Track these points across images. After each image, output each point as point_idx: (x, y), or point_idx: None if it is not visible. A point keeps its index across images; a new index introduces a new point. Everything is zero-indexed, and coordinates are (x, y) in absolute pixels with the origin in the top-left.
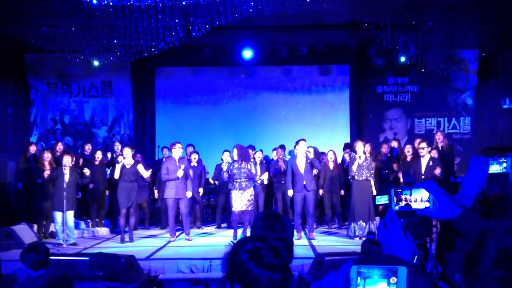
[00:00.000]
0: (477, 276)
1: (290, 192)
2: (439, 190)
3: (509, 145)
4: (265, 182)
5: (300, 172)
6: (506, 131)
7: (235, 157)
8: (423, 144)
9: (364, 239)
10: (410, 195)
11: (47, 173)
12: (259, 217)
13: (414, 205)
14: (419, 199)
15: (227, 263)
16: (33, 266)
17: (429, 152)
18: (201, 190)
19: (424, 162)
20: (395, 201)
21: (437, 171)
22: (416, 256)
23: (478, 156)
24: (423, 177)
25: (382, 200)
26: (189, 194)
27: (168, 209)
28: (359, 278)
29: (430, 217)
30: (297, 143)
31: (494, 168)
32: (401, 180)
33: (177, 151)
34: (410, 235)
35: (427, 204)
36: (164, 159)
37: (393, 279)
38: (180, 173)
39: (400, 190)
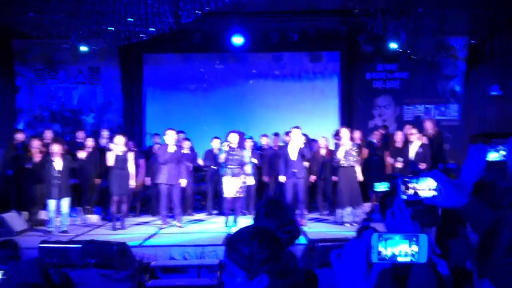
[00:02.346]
0: (491, 263)
1: (282, 178)
2: (446, 179)
3: (497, 131)
4: (255, 161)
5: (291, 159)
6: (494, 118)
7: (234, 144)
8: (413, 130)
9: (358, 226)
10: (418, 183)
11: (37, 158)
12: (262, 204)
13: (422, 194)
14: (426, 187)
15: (234, 250)
16: (3, 261)
17: (419, 138)
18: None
19: (413, 148)
20: (403, 190)
21: (422, 166)
22: None
23: (477, 143)
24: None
25: (381, 187)
26: (183, 182)
27: (161, 195)
28: (380, 243)
29: (436, 206)
30: (291, 130)
31: (493, 156)
32: (395, 165)
33: (168, 137)
34: (418, 224)
35: (434, 193)
36: (155, 146)
37: (414, 246)
38: (171, 149)
39: (408, 179)
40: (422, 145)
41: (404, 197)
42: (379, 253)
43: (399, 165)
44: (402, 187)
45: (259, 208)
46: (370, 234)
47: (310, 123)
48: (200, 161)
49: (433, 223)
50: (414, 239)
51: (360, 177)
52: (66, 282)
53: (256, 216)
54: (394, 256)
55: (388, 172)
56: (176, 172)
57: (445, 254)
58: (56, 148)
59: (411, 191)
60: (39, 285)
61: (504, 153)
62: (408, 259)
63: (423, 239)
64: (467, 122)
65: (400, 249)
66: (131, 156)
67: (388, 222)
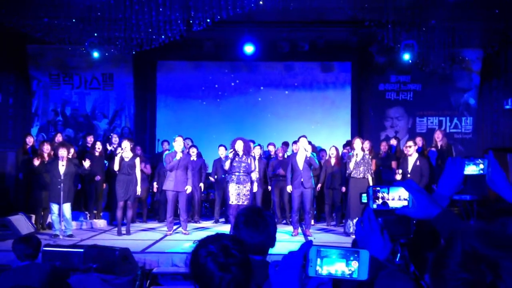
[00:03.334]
0: (443, 278)
1: (289, 188)
2: (418, 189)
3: (510, 146)
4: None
5: (299, 168)
6: (507, 132)
7: (239, 150)
8: (410, 143)
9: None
10: (388, 193)
11: (36, 162)
12: (241, 212)
13: (392, 204)
14: (398, 197)
15: (189, 263)
16: (20, 256)
17: (418, 151)
18: (201, 185)
19: (411, 161)
20: (372, 199)
21: (398, 176)
22: (398, 255)
23: (454, 157)
24: (409, 175)
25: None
26: (188, 188)
27: (167, 201)
28: (318, 258)
29: (409, 216)
30: (298, 139)
31: (471, 169)
32: (396, 176)
33: (177, 144)
34: (386, 234)
35: (406, 203)
36: (164, 153)
37: (354, 263)
38: (178, 156)
39: (378, 188)
40: (419, 158)
41: (374, 206)
42: (316, 268)
43: (398, 177)
44: (372, 197)
45: (238, 217)
46: (308, 246)
47: (320, 134)
48: (211, 178)
49: (405, 234)
50: (354, 256)
51: (371, 183)
52: None
53: (236, 224)
54: (330, 273)
55: None
56: (183, 179)
57: (424, 266)
58: (62, 152)
59: (380, 201)
60: None
61: (482, 166)
62: (345, 276)
63: (364, 255)
64: (480, 136)
65: (336, 268)
66: (138, 162)
67: (357, 231)
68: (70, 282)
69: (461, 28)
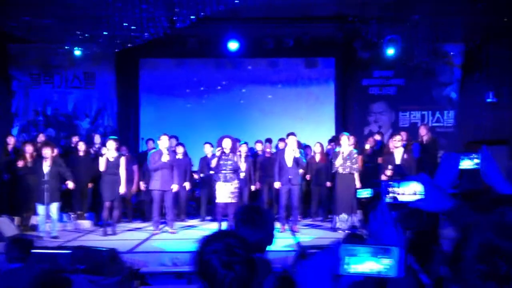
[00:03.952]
0: (461, 269)
1: (277, 184)
2: (430, 182)
3: (492, 138)
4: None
5: (286, 165)
6: (489, 125)
7: (227, 149)
8: (398, 137)
9: (346, 231)
10: (402, 187)
11: (20, 163)
12: (239, 210)
13: (405, 198)
14: (411, 191)
15: (194, 260)
16: (10, 259)
17: (404, 145)
18: (187, 184)
19: (398, 155)
20: (386, 193)
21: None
22: None
23: (449, 152)
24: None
25: (364, 193)
26: (174, 187)
27: (153, 201)
28: (347, 256)
29: (422, 210)
30: (287, 137)
31: (466, 164)
32: (386, 172)
33: (162, 143)
34: (400, 228)
35: (419, 197)
36: (150, 152)
37: (386, 260)
38: (164, 158)
39: (391, 183)
40: (406, 152)
41: (387, 200)
42: (346, 266)
43: (388, 172)
44: (385, 191)
45: (237, 214)
46: (338, 245)
47: (305, 129)
48: (196, 176)
49: (418, 227)
50: (385, 253)
51: (358, 184)
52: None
53: (234, 222)
54: (360, 272)
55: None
56: (169, 178)
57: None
58: (46, 152)
59: (394, 195)
60: None
61: (477, 161)
62: (375, 274)
63: (395, 252)
64: (462, 129)
65: (367, 266)
66: (123, 161)
67: (370, 225)
68: None
69: (444, 23)
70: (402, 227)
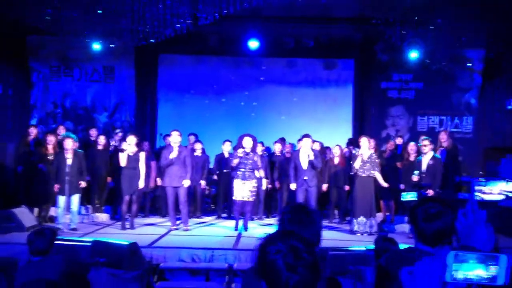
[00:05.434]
0: None
1: (292, 186)
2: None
3: (511, 146)
4: (264, 187)
5: (302, 167)
6: (508, 132)
7: (248, 147)
8: (426, 142)
9: (372, 236)
10: (489, 186)
11: (50, 158)
12: (286, 210)
13: (487, 197)
14: (498, 190)
15: (256, 259)
16: (33, 252)
17: (433, 149)
18: (203, 182)
19: (425, 160)
20: (477, 191)
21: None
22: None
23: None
24: (423, 175)
25: (408, 196)
26: (186, 183)
27: (167, 197)
28: (456, 263)
29: None
30: (301, 138)
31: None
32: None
33: (173, 138)
34: (491, 227)
35: (502, 197)
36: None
37: (493, 267)
38: (172, 155)
39: (481, 181)
40: (433, 158)
41: (479, 197)
42: (453, 273)
43: (415, 178)
44: (477, 188)
45: (284, 214)
46: (446, 252)
47: (322, 131)
48: (215, 177)
49: (507, 227)
50: (492, 260)
51: (383, 183)
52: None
53: (281, 222)
54: (468, 279)
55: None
56: (181, 174)
57: None
58: (68, 143)
59: (481, 194)
60: (53, 282)
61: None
62: (483, 281)
63: (503, 259)
64: (480, 135)
65: (475, 272)
66: (142, 156)
67: (459, 223)
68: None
69: (466, 28)
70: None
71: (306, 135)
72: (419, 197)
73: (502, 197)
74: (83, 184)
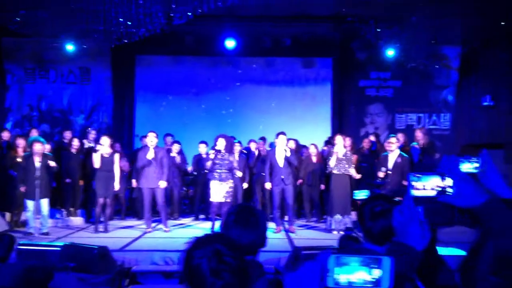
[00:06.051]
0: (473, 280)
1: (268, 185)
2: (461, 175)
3: (488, 142)
4: (239, 175)
5: (278, 165)
6: (485, 128)
7: (221, 148)
8: (393, 139)
9: (341, 233)
10: (422, 181)
11: (18, 160)
12: (231, 211)
13: (434, 191)
14: (440, 184)
15: (182, 263)
16: None
17: (400, 147)
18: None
19: (392, 158)
20: (414, 186)
21: (405, 182)
22: None
23: (449, 155)
24: (389, 172)
25: (361, 194)
26: (162, 184)
27: (144, 199)
28: (337, 267)
29: (452, 204)
30: (276, 136)
31: (466, 167)
32: (379, 173)
33: (149, 139)
34: (426, 224)
35: (449, 190)
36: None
37: (376, 271)
38: (149, 156)
39: (419, 175)
40: (400, 156)
41: (414, 193)
42: (335, 277)
43: (381, 174)
44: (414, 183)
45: (229, 215)
46: (326, 256)
47: (301, 130)
48: (189, 168)
49: (447, 223)
50: (375, 264)
51: (356, 175)
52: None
53: (225, 223)
54: (351, 283)
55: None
56: (157, 175)
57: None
58: (37, 147)
59: (422, 188)
60: None
61: (477, 165)
62: (367, 286)
63: (386, 262)
64: (458, 132)
65: (357, 276)
66: (117, 158)
67: (396, 220)
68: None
69: (442, 25)
70: (430, 223)
71: (281, 133)
72: (371, 195)
73: (434, 192)
74: (52, 163)
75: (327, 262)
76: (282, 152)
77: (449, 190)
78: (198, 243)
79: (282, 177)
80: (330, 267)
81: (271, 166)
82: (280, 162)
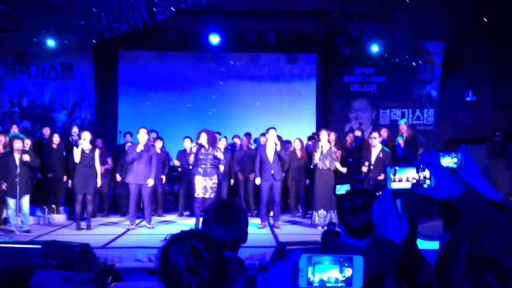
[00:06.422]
0: (448, 283)
1: (258, 181)
2: (439, 167)
3: (471, 137)
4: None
5: (268, 160)
6: (468, 123)
7: (204, 142)
8: (375, 134)
9: (325, 228)
10: (407, 172)
11: None
12: (211, 207)
13: (411, 183)
14: (418, 176)
15: (158, 260)
16: None
17: (383, 142)
18: (163, 177)
19: (374, 152)
20: (391, 179)
21: (380, 177)
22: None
23: (429, 150)
24: (371, 167)
25: (342, 189)
26: (150, 182)
27: (130, 194)
28: (309, 266)
29: (430, 196)
30: (267, 131)
31: (446, 162)
32: (363, 168)
33: (140, 135)
34: (404, 217)
35: (427, 182)
36: (127, 145)
37: (348, 270)
38: (139, 147)
39: (397, 168)
40: (382, 150)
41: (392, 186)
42: (308, 277)
43: (364, 169)
44: (390, 176)
45: (208, 211)
46: (297, 255)
47: (286, 125)
48: (177, 162)
49: (426, 215)
50: (347, 262)
51: (341, 168)
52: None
53: (205, 219)
54: (323, 282)
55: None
56: (145, 172)
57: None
58: (17, 144)
59: (398, 180)
60: None
61: (456, 160)
62: (339, 285)
63: (358, 261)
64: (441, 127)
65: (329, 275)
66: (97, 154)
67: (374, 213)
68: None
69: (425, 21)
70: (409, 215)
71: (272, 128)
72: (350, 189)
73: (409, 185)
74: (26, 158)
75: (298, 262)
76: (272, 147)
77: (427, 182)
78: (174, 239)
79: (272, 172)
80: (302, 267)
81: (261, 161)
82: (270, 157)
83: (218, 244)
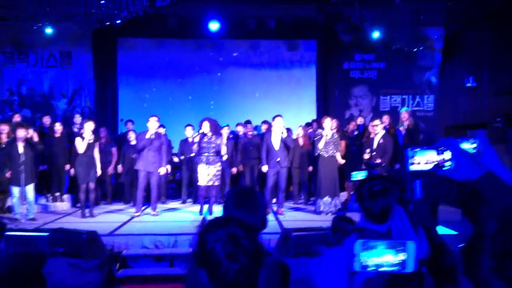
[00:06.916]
0: (475, 265)
1: (265, 168)
2: (460, 149)
3: (470, 123)
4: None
5: (274, 148)
6: (468, 110)
7: (206, 131)
8: (377, 122)
9: (333, 215)
10: (427, 154)
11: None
12: (230, 193)
13: (431, 165)
14: (438, 158)
15: (195, 246)
16: None
17: (387, 128)
18: (168, 167)
19: (376, 139)
20: (410, 162)
21: (378, 160)
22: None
23: (446, 137)
24: (374, 153)
25: (359, 176)
26: (162, 170)
27: (138, 181)
28: (363, 251)
29: (449, 179)
30: (273, 119)
31: (465, 147)
32: (364, 155)
33: (151, 124)
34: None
35: (447, 164)
36: (129, 133)
37: (401, 254)
38: (148, 134)
39: (417, 150)
40: (384, 137)
41: (412, 168)
42: (363, 261)
43: (367, 156)
44: (410, 159)
45: (228, 198)
46: (353, 241)
47: (286, 112)
48: (176, 159)
49: (446, 196)
50: (401, 247)
51: (340, 160)
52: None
53: (225, 206)
54: (378, 266)
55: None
56: (154, 160)
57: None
58: (21, 132)
59: (419, 162)
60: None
61: (475, 145)
62: (393, 269)
63: (411, 246)
64: (441, 113)
65: (385, 259)
66: (97, 143)
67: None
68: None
69: (425, 7)
70: (430, 196)
71: (278, 115)
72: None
73: (429, 166)
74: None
75: (353, 247)
76: (278, 135)
77: (447, 164)
78: (211, 226)
79: (278, 159)
80: (357, 252)
81: (267, 149)
82: (276, 145)
83: (255, 230)
